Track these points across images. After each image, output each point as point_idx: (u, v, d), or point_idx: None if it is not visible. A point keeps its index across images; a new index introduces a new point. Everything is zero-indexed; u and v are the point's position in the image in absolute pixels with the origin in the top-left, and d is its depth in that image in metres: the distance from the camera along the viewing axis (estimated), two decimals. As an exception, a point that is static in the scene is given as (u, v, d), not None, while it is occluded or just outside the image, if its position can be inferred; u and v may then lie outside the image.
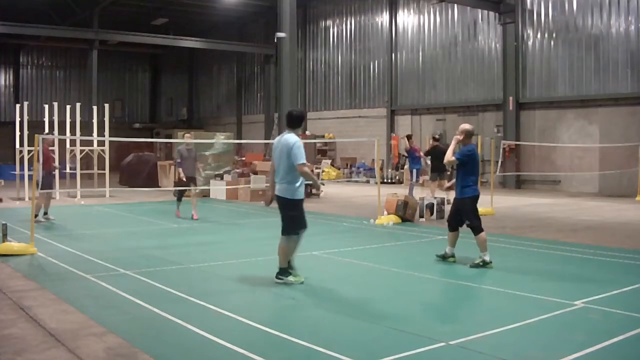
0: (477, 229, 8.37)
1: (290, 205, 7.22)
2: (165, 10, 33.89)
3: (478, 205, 8.61)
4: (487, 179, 22.65)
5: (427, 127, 26.71)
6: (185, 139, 14.03)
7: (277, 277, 7.27)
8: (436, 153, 15.95)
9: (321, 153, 31.32)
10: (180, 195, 14.10)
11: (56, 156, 13.68)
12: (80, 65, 39.18)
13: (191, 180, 13.73)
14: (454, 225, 8.68)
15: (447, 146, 8.97)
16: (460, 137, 8.51)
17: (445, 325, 5.67)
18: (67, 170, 18.60)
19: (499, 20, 24.05)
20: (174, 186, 14.05)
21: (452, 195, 9.69)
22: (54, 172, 13.02)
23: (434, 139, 16.87)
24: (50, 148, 13.13)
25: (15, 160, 18.74)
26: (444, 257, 8.70)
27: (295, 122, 7.30)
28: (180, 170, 13.48)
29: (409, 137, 18.14)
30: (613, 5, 21.02)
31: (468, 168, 8.40)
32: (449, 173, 15.60)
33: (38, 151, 9.69)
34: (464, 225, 8.58)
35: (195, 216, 13.73)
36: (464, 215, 8.56)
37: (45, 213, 12.89)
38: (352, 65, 31.08)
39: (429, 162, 16.67)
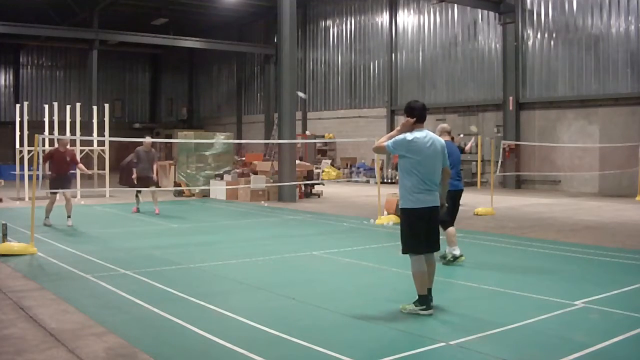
0: (445, 223, 8.36)
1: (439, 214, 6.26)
2: (165, 10, 33.88)
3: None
4: (487, 179, 22.66)
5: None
6: (145, 140, 14.93)
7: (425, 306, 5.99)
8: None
9: (321, 153, 31.33)
10: (137, 193, 15.09)
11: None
12: (80, 65, 39.18)
13: (146, 180, 14.63)
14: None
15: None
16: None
17: (445, 325, 5.67)
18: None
19: (499, 20, 24.04)
20: (135, 184, 14.89)
21: None
22: (68, 174, 12.74)
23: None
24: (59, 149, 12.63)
25: (15, 160, 18.76)
26: (444, 257, 8.70)
27: (424, 116, 6.23)
28: (134, 170, 14.55)
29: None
30: (613, 5, 21.01)
31: None
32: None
33: (43, 151, 9.67)
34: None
35: (157, 211, 14.60)
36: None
37: (47, 217, 12.49)
38: (352, 65, 31.07)
39: None
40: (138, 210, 14.91)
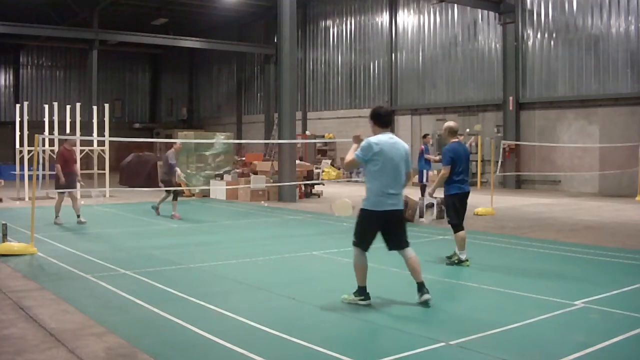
0: (455, 226, 8.39)
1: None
2: (165, 10, 33.88)
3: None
4: (487, 179, 22.65)
5: (427, 127, 26.71)
6: (177, 141, 14.69)
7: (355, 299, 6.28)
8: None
9: (321, 153, 31.34)
10: (176, 195, 14.10)
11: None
12: (80, 65, 39.20)
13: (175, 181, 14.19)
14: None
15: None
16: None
17: (445, 325, 5.67)
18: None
19: (499, 20, 24.04)
20: (177, 186, 14.23)
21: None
22: (74, 173, 12.77)
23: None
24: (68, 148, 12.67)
25: (15, 160, 18.76)
26: (449, 258, 8.65)
27: (389, 121, 6.47)
28: (178, 169, 13.90)
29: (424, 137, 17.74)
30: (613, 5, 21.02)
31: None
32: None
33: (43, 151, 9.73)
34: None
35: (158, 213, 14.23)
36: (445, 211, 8.66)
37: (57, 216, 12.59)
38: (352, 65, 31.08)
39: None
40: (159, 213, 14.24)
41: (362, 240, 6.26)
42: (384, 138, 6.21)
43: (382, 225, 6.24)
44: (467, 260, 8.34)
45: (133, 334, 5.29)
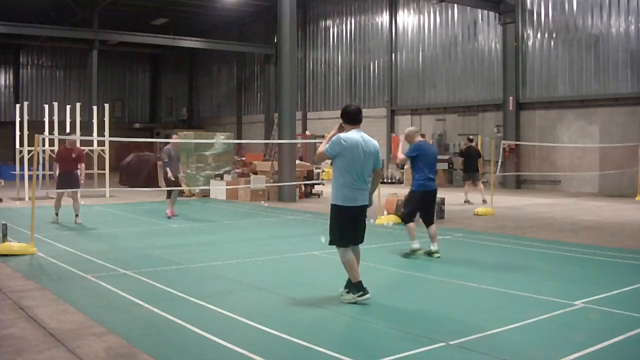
0: (406, 219, 8.94)
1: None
2: (165, 10, 33.88)
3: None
4: (487, 179, 22.66)
5: (427, 127, 26.73)
6: (173, 139, 14.27)
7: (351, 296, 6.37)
8: (470, 153, 17.11)
9: (321, 153, 31.28)
10: (169, 194, 13.89)
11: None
12: (80, 65, 39.20)
13: (177, 179, 13.91)
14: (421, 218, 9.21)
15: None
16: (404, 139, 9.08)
17: (445, 325, 5.66)
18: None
19: (499, 20, 24.05)
20: (166, 186, 13.95)
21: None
22: (74, 172, 12.66)
23: (469, 139, 17.78)
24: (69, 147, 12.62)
25: (15, 160, 18.76)
26: (413, 252, 9.02)
27: (359, 119, 6.47)
28: (168, 169, 13.54)
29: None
30: (613, 5, 21.01)
31: (414, 164, 8.88)
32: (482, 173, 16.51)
33: (43, 151, 9.74)
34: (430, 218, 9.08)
35: (174, 212, 13.89)
36: (405, 203, 9.28)
37: (56, 214, 12.65)
38: (352, 65, 31.08)
39: None
40: (175, 214, 13.87)
41: (340, 238, 6.39)
42: (354, 135, 6.33)
43: (354, 221, 6.40)
44: (421, 249, 8.83)
45: (133, 334, 5.29)
